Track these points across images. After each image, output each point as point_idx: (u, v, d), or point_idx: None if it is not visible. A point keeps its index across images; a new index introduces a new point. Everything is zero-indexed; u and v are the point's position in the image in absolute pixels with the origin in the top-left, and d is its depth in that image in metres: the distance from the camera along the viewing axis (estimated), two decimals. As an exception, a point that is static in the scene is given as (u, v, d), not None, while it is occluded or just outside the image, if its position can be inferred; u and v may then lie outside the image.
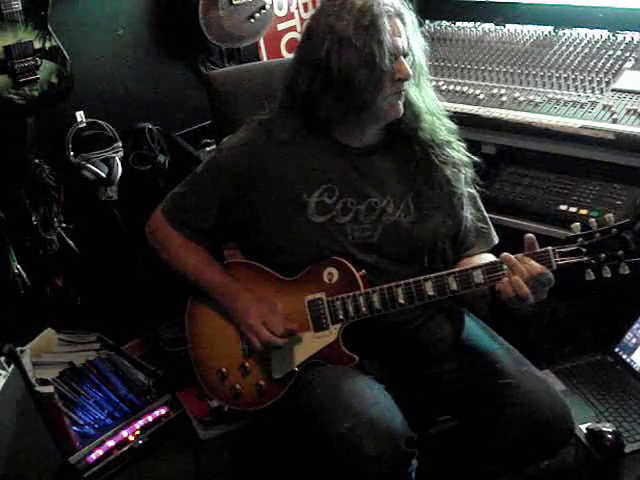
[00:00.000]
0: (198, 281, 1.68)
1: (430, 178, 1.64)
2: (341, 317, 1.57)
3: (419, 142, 1.63)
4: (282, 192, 1.59)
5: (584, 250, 1.43)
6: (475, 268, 1.50)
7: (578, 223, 1.46)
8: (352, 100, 1.52)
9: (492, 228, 1.75)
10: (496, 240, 1.74)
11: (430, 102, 1.63)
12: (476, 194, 1.73)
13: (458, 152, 1.66)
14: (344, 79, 1.50)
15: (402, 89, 1.56)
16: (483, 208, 1.75)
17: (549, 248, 1.45)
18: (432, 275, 1.53)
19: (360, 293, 1.55)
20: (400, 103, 1.57)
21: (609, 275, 1.43)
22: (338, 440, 1.43)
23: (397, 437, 1.44)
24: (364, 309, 1.55)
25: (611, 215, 1.44)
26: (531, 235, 1.48)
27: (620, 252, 1.41)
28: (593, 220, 1.45)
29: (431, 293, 1.52)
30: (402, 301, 1.54)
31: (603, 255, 1.42)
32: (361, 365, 1.59)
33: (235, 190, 1.61)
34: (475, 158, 1.70)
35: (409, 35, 1.54)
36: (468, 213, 1.68)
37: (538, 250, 1.46)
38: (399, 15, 1.53)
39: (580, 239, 1.44)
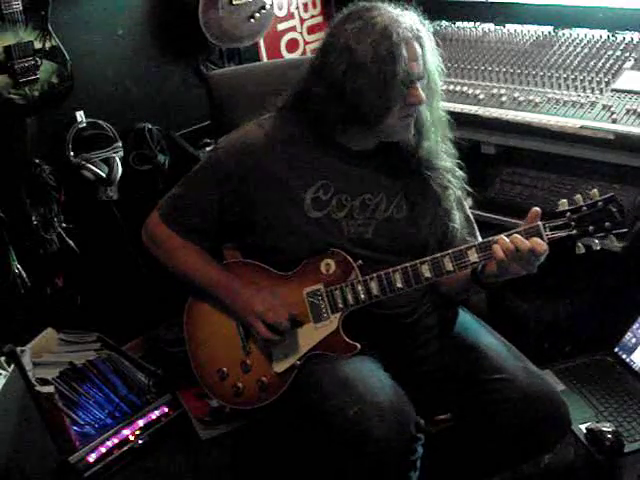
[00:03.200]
0: (197, 280, 1.68)
1: (419, 189, 1.66)
2: (340, 306, 1.59)
3: (415, 157, 1.64)
4: (279, 189, 1.60)
5: (573, 224, 1.46)
6: (469, 247, 1.52)
7: (565, 200, 1.49)
8: (360, 119, 1.54)
9: (478, 232, 1.75)
10: None
11: (438, 123, 1.64)
12: (465, 204, 1.74)
13: (451, 177, 1.66)
14: (355, 102, 1.51)
15: (413, 113, 1.56)
16: (469, 212, 1.76)
17: (539, 222, 1.47)
18: (428, 257, 1.55)
19: (358, 280, 1.57)
20: (410, 125, 1.58)
21: (598, 248, 1.47)
22: (346, 425, 1.44)
23: (405, 420, 1.46)
24: (363, 296, 1.57)
25: (596, 191, 1.48)
26: (537, 209, 1.49)
27: (607, 224, 1.45)
28: (579, 196, 1.48)
29: (428, 275, 1.54)
30: (400, 285, 1.55)
31: (591, 227, 1.46)
32: (364, 354, 1.59)
33: (232, 189, 1.62)
34: (468, 189, 1.72)
35: (426, 57, 1.54)
36: (456, 222, 1.68)
37: (529, 225, 1.48)
38: (418, 39, 1.52)
39: (568, 213, 1.47)
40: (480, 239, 1.73)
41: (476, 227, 1.76)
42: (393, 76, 1.48)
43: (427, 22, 1.58)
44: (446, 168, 1.66)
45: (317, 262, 1.60)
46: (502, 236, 1.48)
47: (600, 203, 1.45)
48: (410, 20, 1.52)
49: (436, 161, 1.65)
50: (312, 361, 1.61)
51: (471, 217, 1.76)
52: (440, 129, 1.64)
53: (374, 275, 1.56)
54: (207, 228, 1.68)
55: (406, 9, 1.55)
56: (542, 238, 1.45)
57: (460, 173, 1.69)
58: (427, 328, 1.69)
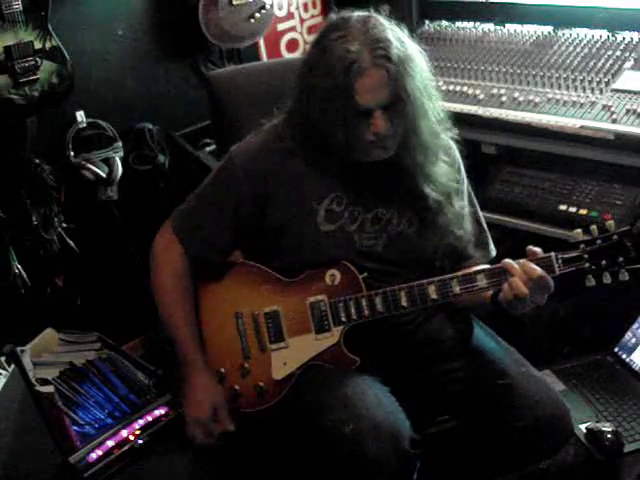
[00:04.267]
0: (170, 327, 1.70)
1: (423, 201, 1.62)
2: (343, 319, 1.57)
3: (415, 171, 1.60)
4: (292, 199, 1.59)
5: (586, 257, 1.44)
6: (478, 272, 1.51)
7: (580, 229, 1.47)
8: (332, 148, 1.52)
9: (490, 241, 1.75)
10: (494, 253, 1.74)
11: (428, 139, 1.56)
12: (476, 208, 1.74)
13: (446, 187, 1.62)
14: (318, 125, 1.50)
15: (383, 139, 1.50)
16: (483, 221, 1.75)
17: (552, 254, 1.46)
18: (435, 279, 1.53)
19: (363, 295, 1.56)
20: (385, 149, 1.53)
21: (609, 282, 1.45)
22: (341, 442, 1.43)
23: (401, 439, 1.44)
24: (366, 312, 1.55)
25: (612, 222, 1.46)
26: (531, 247, 1.48)
27: (620, 259, 1.43)
28: (594, 227, 1.46)
29: (434, 297, 1.53)
30: (405, 304, 1.54)
31: (604, 262, 1.44)
32: (364, 367, 1.59)
33: (247, 198, 1.60)
34: (474, 203, 1.70)
35: (398, 80, 1.44)
36: (462, 230, 1.67)
37: (541, 255, 1.46)
38: (380, 66, 1.42)
39: (582, 245, 1.45)
40: (492, 249, 1.74)
41: (488, 237, 1.74)
42: (341, 108, 1.44)
43: (403, 32, 1.49)
44: (441, 179, 1.61)
45: (323, 272, 1.59)
46: (507, 260, 1.48)
47: (615, 237, 1.43)
48: (375, 43, 1.42)
49: (431, 174, 1.59)
50: (311, 371, 1.60)
51: (483, 228, 1.74)
52: (433, 142, 1.57)
53: (379, 291, 1.54)
54: (224, 245, 1.66)
55: (393, 22, 1.48)
56: (553, 270, 1.44)
57: (456, 185, 1.65)
58: (428, 333, 1.68)
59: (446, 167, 1.63)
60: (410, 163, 1.58)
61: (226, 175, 1.65)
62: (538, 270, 1.43)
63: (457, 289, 1.51)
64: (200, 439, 1.64)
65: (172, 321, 1.68)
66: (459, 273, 1.54)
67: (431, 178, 1.60)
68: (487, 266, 1.56)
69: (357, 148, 1.52)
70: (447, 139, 1.65)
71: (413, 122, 1.51)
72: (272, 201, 1.60)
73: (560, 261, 1.45)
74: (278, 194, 1.59)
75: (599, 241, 1.44)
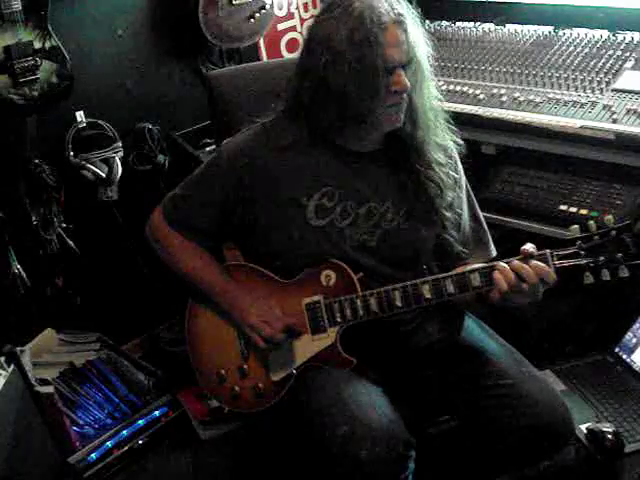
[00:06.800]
0: (197, 282, 1.68)
1: (418, 189, 1.62)
2: (339, 320, 1.57)
3: (413, 150, 1.61)
4: (281, 195, 1.59)
5: (583, 253, 1.42)
6: (472, 271, 1.50)
7: (577, 225, 1.45)
8: (350, 113, 1.51)
9: (490, 240, 1.74)
10: (494, 253, 1.73)
11: (430, 111, 1.59)
12: (474, 205, 1.73)
13: (442, 175, 1.62)
14: (341, 93, 1.49)
15: (401, 100, 1.53)
16: (482, 219, 1.74)
17: (547, 251, 1.44)
18: (429, 278, 1.53)
19: (357, 296, 1.55)
20: (400, 114, 1.55)
21: (608, 278, 1.41)
22: (335, 444, 1.43)
23: (394, 441, 1.44)
24: (361, 312, 1.55)
25: (610, 217, 1.43)
26: (524, 248, 1.46)
27: (619, 255, 1.40)
28: (592, 222, 1.44)
29: (428, 296, 1.52)
30: (399, 304, 1.54)
31: (602, 258, 1.41)
32: (360, 368, 1.58)
33: (234, 192, 1.61)
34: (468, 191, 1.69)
35: (411, 42, 1.49)
36: (460, 226, 1.66)
37: (536, 253, 1.45)
38: (399, 23, 1.47)
39: (579, 242, 1.43)
40: (492, 249, 1.73)
41: (488, 236, 1.74)
42: (371, 63, 1.45)
43: (408, 5, 1.53)
44: (437, 164, 1.61)
45: (318, 272, 1.59)
46: (501, 263, 1.46)
47: (613, 232, 1.40)
48: (390, 5, 1.47)
49: (429, 155, 1.61)
50: (308, 372, 1.60)
51: (483, 226, 1.74)
52: (433, 118, 1.60)
53: (374, 292, 1.54)
54: (209, 229, 1.68)
55: None
56: (549, 267, 1.42)
57: (453, 174, 1.65)
58: (429, 333, 1.68)
59: (442, 156, 1.63)
60: (417, 132, 1.58)
61: (214, 168, 1.67)
62: (525, 267, 1.42)
63: (451, 288, 1.51)
64: (267, 332, 1.58)
65: (204, 278, 1.68)
66: (453, 272, 1.53)
67: (428, 162, 1.60)
68: (481, 264, 1.55)
69: (377, 114, 1.52)
70: (444, 132, 1.65)
71: (421, 86, 1.55)
72: (258, 196, 1.60)
73: (556, 258, 1.43)
74: (265, 189, 1.59)
75: (596, 237, 1.41)
